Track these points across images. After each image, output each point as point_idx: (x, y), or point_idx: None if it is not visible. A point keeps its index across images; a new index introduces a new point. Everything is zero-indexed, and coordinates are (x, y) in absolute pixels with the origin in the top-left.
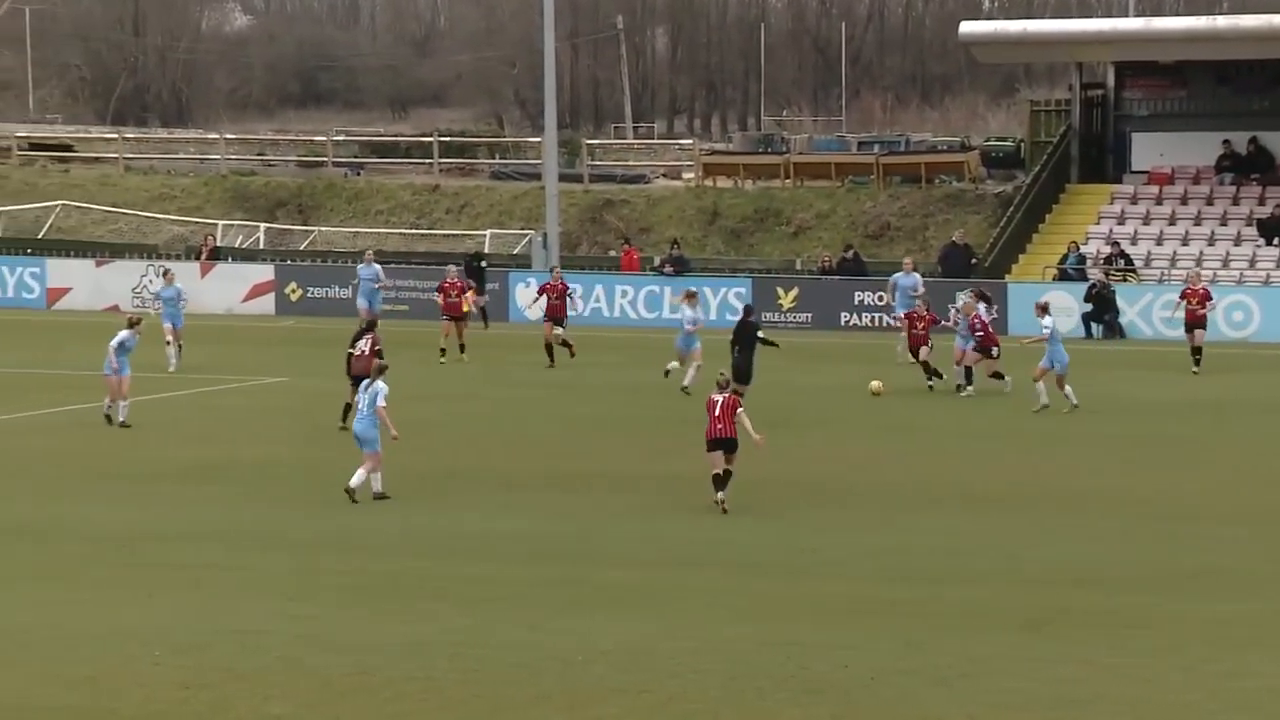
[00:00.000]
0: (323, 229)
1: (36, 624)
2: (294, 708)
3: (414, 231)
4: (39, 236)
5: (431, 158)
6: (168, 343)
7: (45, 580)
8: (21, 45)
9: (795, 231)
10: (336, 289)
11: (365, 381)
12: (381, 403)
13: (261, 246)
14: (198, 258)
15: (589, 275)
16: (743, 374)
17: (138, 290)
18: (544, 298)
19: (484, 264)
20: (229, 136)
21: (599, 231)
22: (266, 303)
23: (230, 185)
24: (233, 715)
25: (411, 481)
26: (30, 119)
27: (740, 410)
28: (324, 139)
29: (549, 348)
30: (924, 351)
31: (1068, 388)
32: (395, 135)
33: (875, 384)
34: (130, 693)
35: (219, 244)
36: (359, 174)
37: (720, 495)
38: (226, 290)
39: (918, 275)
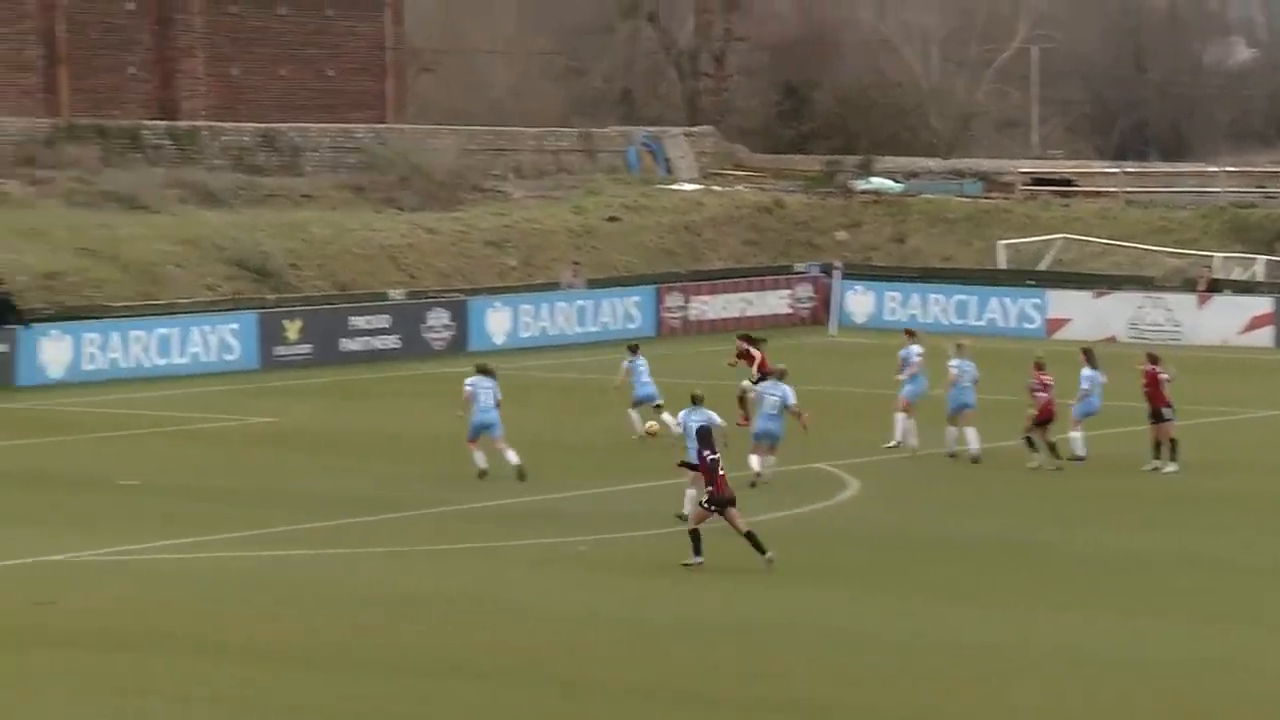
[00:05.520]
0: None
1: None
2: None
3: None
4: (1039, 268)
5: None
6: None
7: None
8: (1027, 83)
9: None
10: None
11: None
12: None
13: (1260, 279)
14: (1195, 290)
15: None
16: None
17: (1134, 322)
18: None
19: None
20: (1228, 169)
21: None
22: (1265, 335)
23: (1229, 217)
24: None
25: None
26: (1032, 155)
27: None
28: None
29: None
30: None
31: None
32: None
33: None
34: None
35: (1216, 276)
36: None
37: None
38: (1224, 322)
39: None
